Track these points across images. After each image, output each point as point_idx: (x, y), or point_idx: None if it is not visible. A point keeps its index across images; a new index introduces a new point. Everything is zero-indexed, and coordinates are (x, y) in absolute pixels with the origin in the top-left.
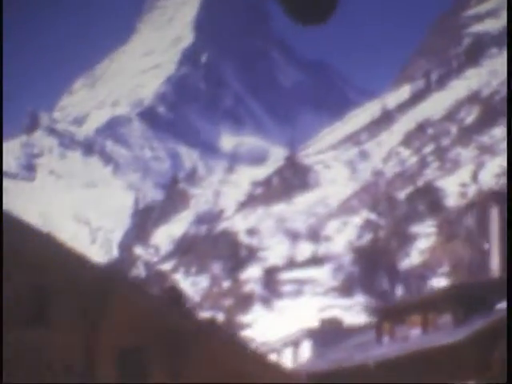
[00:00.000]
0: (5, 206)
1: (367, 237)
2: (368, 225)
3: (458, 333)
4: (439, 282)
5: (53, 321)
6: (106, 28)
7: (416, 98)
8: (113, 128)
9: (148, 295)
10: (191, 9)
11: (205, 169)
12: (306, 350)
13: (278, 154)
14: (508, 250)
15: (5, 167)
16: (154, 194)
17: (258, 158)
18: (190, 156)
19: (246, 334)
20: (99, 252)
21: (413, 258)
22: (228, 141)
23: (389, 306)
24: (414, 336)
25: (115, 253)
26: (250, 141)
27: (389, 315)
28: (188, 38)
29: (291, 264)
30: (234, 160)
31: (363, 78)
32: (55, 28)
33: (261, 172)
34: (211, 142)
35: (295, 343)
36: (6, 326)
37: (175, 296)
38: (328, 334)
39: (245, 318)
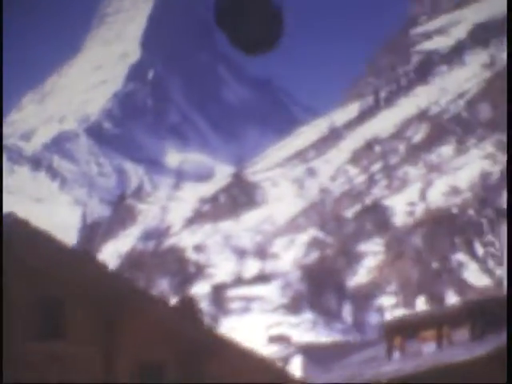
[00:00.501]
0: None
1: (314, 255)
2: (315, 243)
3: (475, 349)
4: (387, 301)
5: (70, 333)
6: (55, 42)
7: (364, 116)
8: (60, 143)
9: (166, 308)
10: (139, 25)
11: (150, 185)
12: (297, 367)
13: (223, 171)
14: (508, 253)
15: None
16: (100, 210)
17: (204, 175)
18: (135, 172)
19: None
20: None
21: (360, 277)
22: (173, 157)
23: (400, 319)
24: (427, 351)
25: None
26: (195, 157)
27: (400, 330)
28: (135, 53)
29: (239, 281)
30: (180, 176)
31: (308, 95)
32: (7, 39)
33: (207, 189)
34: (157, 158)
35: (285, 360)
36: (21, 338)
37: (191, 308)
38: (321, 350)
39: None
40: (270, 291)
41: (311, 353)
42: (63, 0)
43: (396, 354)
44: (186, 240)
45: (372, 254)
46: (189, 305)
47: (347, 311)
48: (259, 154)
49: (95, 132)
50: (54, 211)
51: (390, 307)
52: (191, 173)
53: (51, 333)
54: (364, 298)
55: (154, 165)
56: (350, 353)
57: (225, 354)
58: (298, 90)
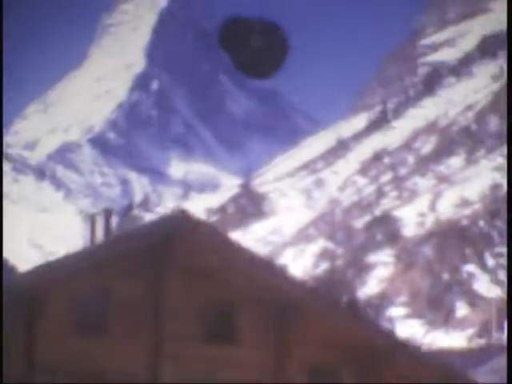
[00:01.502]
0: None
1: (324, 265)
2: (325, 253)
3: None
4: (398, 312)
5: (239, 337)
6: (59, 52)
7: (372, 127)
8: (64, 154)
9: (338, 310)
10: (143, 35)
11: (155, 195)
12: None
13: (228, 182)
14: (508, 254)
15: None
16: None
17: (208, 185)
18: (140, 182)
19: None
20: None
21: (370, 287)
22: (178, 167)
23: None
24: None
25: None
26: (199, 168)
27: None
28: (140, 64)
29: None
30: (184, 187)
31: (313, 106)
32: (8, 51)
33: (215, 199)
34: (161, 169)
35: None
36: (190, 341)
37: (357, 308)
38: None
39: None
40: None
41: None
42: (67, 11)
43: None
44: None
45: (382, 264)
46: (353, 306)
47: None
48: (266, 165)
49: (99, 142)
50: (59, 221)
51: (400, 318)
52: (196, 183)
53: (220, 336)
54: (374, 308)
55: (158, 175)
56: None
57: (404, 359)
58: (302, 100)
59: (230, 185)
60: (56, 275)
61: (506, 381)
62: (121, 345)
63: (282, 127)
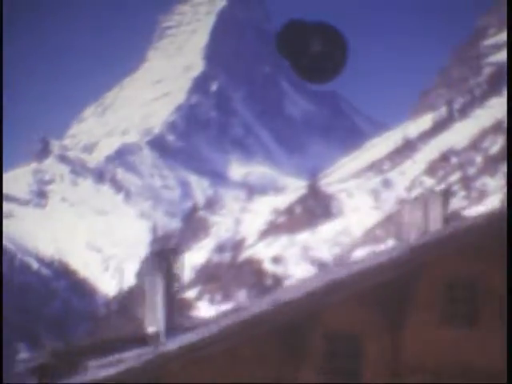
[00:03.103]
0: (17, 233)
1: None
2: None
3: None
4: None
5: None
6: (116, 56)
7: (438, 127)
8: (123, 156)
9: None
10: (201, 37)
11: (216, 197)
12: None
13: (289, 183)
14: (508, 249)
15: (17, 193)
16: (165, 223)
17: (268, 188)
18: (200, 184)
19: None
20: (111, 281)
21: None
22: (237, 170)
23: None
24: None
25: (128, 281)
26: (259, 170)
27: None
28: (198, 66)
29: None
30: (244, 189)
31: (372, 106)
32: (68, 55)
33: (281, 201)
34: (221, 171)
35: None
36: (421, 325)
37: None
38: None
39: None
40: None
41: None
42: (126, 13)
43: None
44: (262, 252)
45: None
46: None
47: None
48: (330, 166)
49: (158, 144)
50: (119, 224)
51: None
52: (256, 185)
53: (467, 320)
54: None
55: (218, 178)
56: None
57: None
58: (361, 101)
59: (295, 186)
60: None
61: (506, 381)
62: (489, 339)
63: (342, 129)
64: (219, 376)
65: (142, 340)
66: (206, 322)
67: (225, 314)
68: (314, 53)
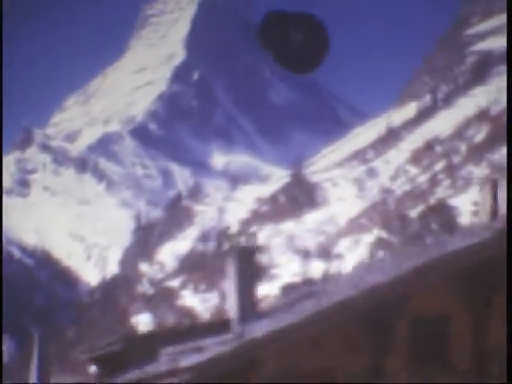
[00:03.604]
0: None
1: (380, 255)
2: (380, 243)
3: None
4: None
5: None
6: (99, 44)
7: (422, 116)
8: (105, 145)
9: None
10: (184, 26)
11: (199, 186)
12: None
13: (271, 172)
14: (507, 249)
15: None
16: (147, 211)
17: (251, 177)
18: (181, 174)
19: None
20: (94, 269)
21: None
22: (219, 159)
23: None
24: None
25: (111, 270)
26: (241, 159)
27: None
28: (180, 55)
29: (308, 281)
30: (226, 178)
31: (354, 96)
32: (49, 44)
33: (264, 190)
34: (203, 160)
35: None
36: None
37: None
38: None
39: None
40: None
41: None
42: (109, 1)
43: None
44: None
45: None
46: None
47: None
48: (313, 155)
49: (140, 133)
50: (101, 213)
51: None
52: (238, 174)
53: None
54: None
55: (200, 167)
56: None
57: None
58: (343, 91)
59: (278, 175)
60: None
61: (506, 381)
62: None
63: (325, 118)
64: (307, 363)
65: (212, 327)
66: (278, 309)
67: (295, 300)
68: (295, 43)
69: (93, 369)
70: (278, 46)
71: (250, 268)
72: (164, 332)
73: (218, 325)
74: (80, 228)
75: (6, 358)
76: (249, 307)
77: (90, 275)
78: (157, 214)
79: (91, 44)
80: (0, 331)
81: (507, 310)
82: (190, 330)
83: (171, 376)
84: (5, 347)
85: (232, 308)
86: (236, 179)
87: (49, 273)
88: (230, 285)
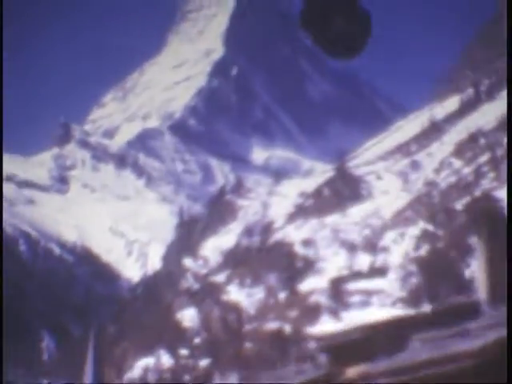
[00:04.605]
0: (39, 219)
1: (426, 247)
2: (426, 236)
3: None
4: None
5: None
6: (136, 40)
7: (465, 109)
8: (144, 141)
9: None
10: (222, 21)
11: (241, 181)
12: None
13: (311, 166)
14: (508, 249)
15: (38, 179)
16: (188, 207)
17: (291, 171)
18: (221, 168)
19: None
20: (135, 265)
21: (474, 269)
22: (259, 153)
23: None
24: None
25: (152, 265)
26: (281, 153)
27: None
28: (219, 50)
29: (356, 274)
30: (267, 173)
31: (393, 89)
32: (86, 39)
33: (307, 184)
34: (242, 155)
35: None
36: None
37: None
38: None
39: (313, 329)
40: (388, 285)
41: None
42: None
43: None
44: (292, 235)
45: None
46: None
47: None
48: (351, 149)
49: (179, 129)
50: (141, 209)
51: None
52: (278, 169)
53: None
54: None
55: (239, 161)
56: None
57: None
58: (382, 84)
59: (319, 169)
60: None
61: (506, 381)
62: None
63: (363, 112)
64: None
65: (453, 311)
66: None
67: None
68: (337, 27)
69: (323, 358)
70: (319, 29)
71: (500, 241)
72: (405, 319)
73: (459, 309)
74: (120, 224)
75: (45, 355)
76: (500, 288)
77: (131, 271)
78: (197, 209)
79: (131, 40)
80: (0, 331)
81: (507, 308)
82: (429, 316)
83: (448, 362)
84: (44, 344)
85: (480, 289)
86: (278, 174)
87: (88, 269)
88: (478, 263)
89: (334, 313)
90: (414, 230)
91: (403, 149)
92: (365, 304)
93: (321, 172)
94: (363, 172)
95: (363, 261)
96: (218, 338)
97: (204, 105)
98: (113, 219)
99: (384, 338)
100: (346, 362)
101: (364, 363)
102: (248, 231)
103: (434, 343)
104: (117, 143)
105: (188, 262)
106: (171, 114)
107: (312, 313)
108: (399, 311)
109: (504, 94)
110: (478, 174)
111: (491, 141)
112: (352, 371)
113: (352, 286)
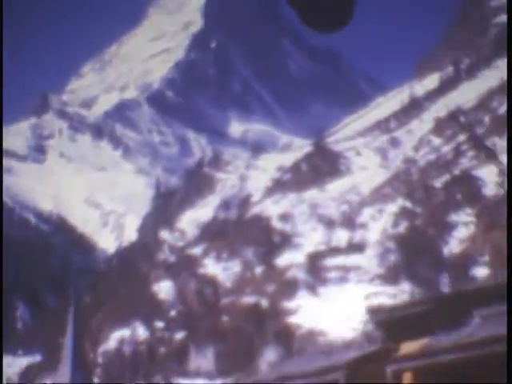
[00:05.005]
0: (15, 188)
1: (404, 224)
2: (404, 212)
3: None
4: (481, 272)
5: None
6: (116, 12)
7: (445, 87)
8: (121, 112)
9: None
10: None
11: (219, 154)
12: None
13: (289, 141)
14: (508, 249)
15: (14, 149)
16: (164, 179)
17: (268, 145)
18: (198, 141)
19: (293, 320)
20: (110, 236)
21: (453, 247)
22: (236, 127)
23: None
24: None
25: (128, 237)
26: (258, 127)
27: None
28: (198, 23)
29: (334, 250)
30: (244, 146)
31: (373, 66)
32: (65, 11)
33: (286, 158)
34: (219, 128)
35: None
36: None
37: None
38: None
39: (290, 304)
40: (366, 261)
41: None
42: None
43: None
44: (269, 209)
45: (463, 224)
46: None
47: (444, 281)
48: (330, 125)
49: (157, 101)
50: (118, 180)
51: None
52: (256, 143)
53: None
54: (459, 268)
55: (217, 134)
56: None
57: None
58: (362, 61)
59: (297, 144)
60: None
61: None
62: None
63: (343, 89)
64: None
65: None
66: None
67: None
68: (323, 1)
69: (378, 333)
70: (304, 3)
71: None
72: (465, 294)
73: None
74: (96, 195)
75: (19, 325)
76: None
77: (107, 242)
78: (174, 181)
79: (110, 11)
80: (0, 332)
81: (507, 310)
82: (488, 290)
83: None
84: (18, 314)
85: None
86: (255, 148)
87: (64, 239)
88: None
89: (312, 288)
90: (393, 207)
91: (382, 125)
92: (342, 280)
93: (299, 147)
94: (342, 148)
95: (341, 236)
96: (194, 311)
97: (182, 77)
98: (89, 190)
99: (444, 312)
100: (402, 337)
101: (421, 339)
102: (225, 204)
103: (497, 319)
104: (94, 114)
105: (164, 234)
106: (149, 86)
107: (289, 287)
108: (376, 288)
109: (484, 73)
110: (458, 153)
111: (471, 119)
112: (409, 346)
113: (329, 261)
